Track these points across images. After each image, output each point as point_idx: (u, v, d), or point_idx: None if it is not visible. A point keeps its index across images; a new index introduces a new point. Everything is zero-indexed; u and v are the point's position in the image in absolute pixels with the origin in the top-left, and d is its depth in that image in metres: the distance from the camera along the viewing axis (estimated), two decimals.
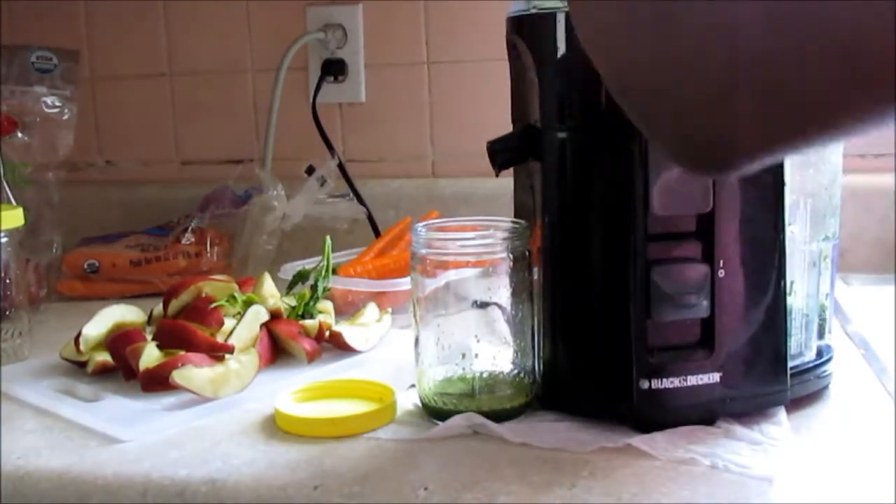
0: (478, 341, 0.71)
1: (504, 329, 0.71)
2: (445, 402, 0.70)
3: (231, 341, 0.79)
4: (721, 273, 0.66)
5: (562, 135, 0.68)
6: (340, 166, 1.22)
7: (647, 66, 0.39)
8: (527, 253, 0.70)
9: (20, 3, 1.38)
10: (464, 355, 0.71)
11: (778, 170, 0.67)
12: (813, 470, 0.61)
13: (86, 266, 1.14)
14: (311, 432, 0.69)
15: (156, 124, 1.39)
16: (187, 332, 0.80)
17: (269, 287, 0.91)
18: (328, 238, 0.94)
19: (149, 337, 0.81)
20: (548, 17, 0.67)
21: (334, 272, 0.96)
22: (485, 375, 0.71)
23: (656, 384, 0.65)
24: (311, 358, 0.83)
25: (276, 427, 0.70)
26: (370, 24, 1.28)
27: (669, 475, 0.60)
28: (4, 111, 1.10)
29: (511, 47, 0.73)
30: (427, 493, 0.60)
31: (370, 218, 1.22)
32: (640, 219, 0.65)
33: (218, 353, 0.78)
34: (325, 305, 0.91)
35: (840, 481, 0.60)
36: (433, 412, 0.70)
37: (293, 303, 0.91)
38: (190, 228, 1.17)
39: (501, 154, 0.71)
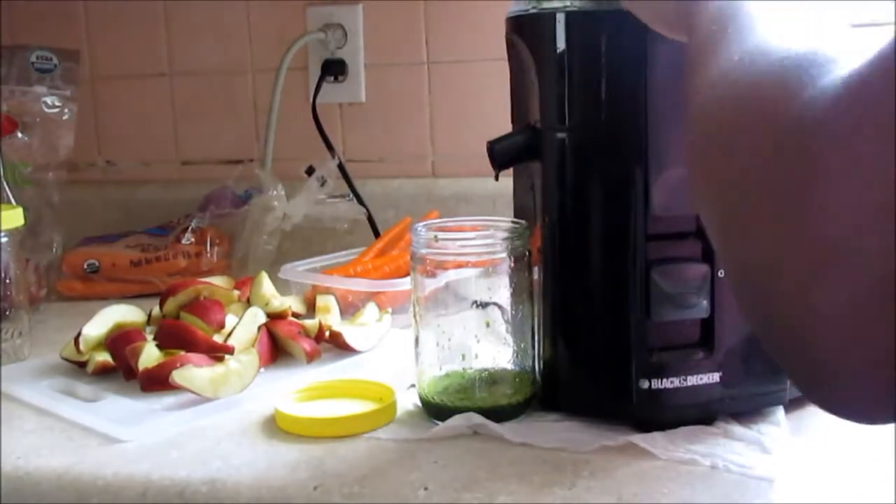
0: (478, 341, 0.71)
1: (504, 329, 0.71)
2: (444, 400, 0.70)
3: (230, 342, 0.79)
4: (721, 273, 0.66)
5: (562, 135, 0.68)
6: (340, 166, 1.22)
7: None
8: (527, 253, 0.70)
9: (20, 3, 1.37)
10: (464, 356, 0.71)
11: None
12: (812, 470, 0.61)
13: (86, 266, 1.14)
14: (311, 432, 0.69)
15: (156, 124, 1.39)
16: (187, 332, 0.80)
17: (267, 287, 0.91)
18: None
19: (149, 337, 0.81)
20: (548, 17, 0.67)
21: None
22: (485, 375, 0.71)
23: (656, 384, 0.65)
24: (311, 358, 0.83)
25: (276, 427, 0.70)
26: (370, 24, 1.28)
27: (670, 475, 0.60)
28: (4, 111, 1.10)
29: (511, 47, 0.73)
30: (427, 493, 0.60)
31: (370, 218, 1.22)
32: (640, 219, 0.65)
33: (217, 353, 0.78)
34: (328, 303, 0.91)
35: (839, 481, 0.60)
36: (433, 412, 0.70)
37: (294, 303, 0.91)
38: (190, 228, 1.17)
39: (501, 154, 0.71)
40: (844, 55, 0.34)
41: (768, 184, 0.34)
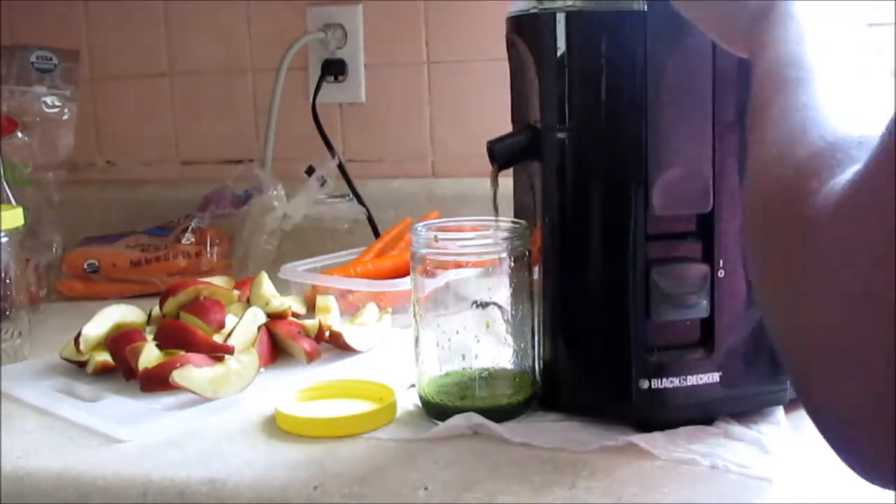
0: (478, 341, 0.71)
1: (504, 329, 0.71)
2: (444, 400, 0.70)
3: (230, 342, 0.79)
4: (721, 273, 0.66)
5: (562, 135, 0.68)
6: (340, 166, 1.22)
7: None
8: (527, 253, 0.70)
9: (20, 3, 1.37)
10: (464, 356, 0.71)
11: None
12: (812, 469, 0.61)
13: (86, 266, 1.14)
14: (311, 432, 0.69)
15: (156, 124, 1.39)
16: (187, 332, 0.80)
17: (267, 287, 0.91)
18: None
19: (149, 337, 0.81)
20: (548, 17, 0.67)
21: None
22: (485, 375, 0.71)
23: (656, 384, 0.65)
24: (311, 358, 0.83)
25: (276, 427, 0.70)
26: (370, 24, 1.28)
27: (669, 475, 0.60)
28: (4, 111, 1.10)
29: (511, 47, 0.73)
30: (427, 493, 0.60)
31: (370, 218, 1.22)
32: (640, 218, 0.65)
33: (217, 353, 0.78)
34: (328, 303, 0.91)
35: (839, 481, 0.60)
36: (433, 411, 0.70)
37: (294, 303, 0.91)
38: (190, 228, 1.17)
39: (501, 154, 0.71)
40: (862, 143, 0.38)
41: (788, 276, 0.39)
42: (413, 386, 0.73)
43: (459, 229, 0.73)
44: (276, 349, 0.84)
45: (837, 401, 0.36)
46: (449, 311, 0.71)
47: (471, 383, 0.71)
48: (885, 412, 0.34)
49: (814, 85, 0.45)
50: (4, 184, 1.01)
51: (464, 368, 0.71)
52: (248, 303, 0.90)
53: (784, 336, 0.40)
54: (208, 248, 1.16)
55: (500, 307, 0.71)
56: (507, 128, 0.74)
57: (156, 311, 0.88)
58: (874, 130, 0.37)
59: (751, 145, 0.47)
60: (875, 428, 0.34)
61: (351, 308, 0.94)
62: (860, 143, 0.38)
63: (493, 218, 0.72)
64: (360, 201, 1.23)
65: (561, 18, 0.67)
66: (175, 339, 0.79)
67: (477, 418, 0.67)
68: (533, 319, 0.71)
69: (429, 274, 0.71)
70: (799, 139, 0.41)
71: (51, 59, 1.15)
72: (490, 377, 0.71)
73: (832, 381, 0.36)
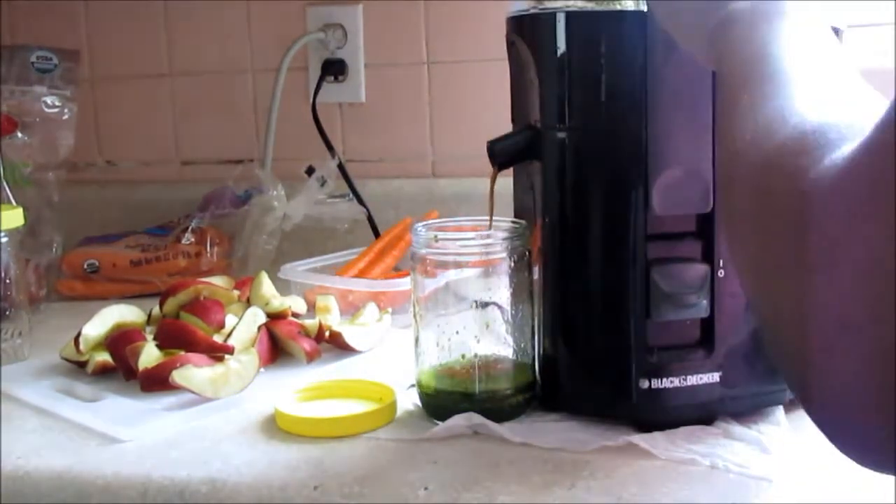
0: (478, 341, 0.71)
1: (504, 329, 0.71)
2: (443, 399, 0.70)
3: (230, 342, 0.79)
4: (721, 273, 0.66)
5: (562, 135, 0.68)
6: (340, 166, 1.22)
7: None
8: (527, 253, 0.70)
9: (20, 3, 1.37)
10: (464, 355, 0.71)
11: None
12: (812, 469, 0.61)
13: (86, 266, 1.14)
14: (311, 432, 0.69)
15: (156, 124, 1.39)
16: (187, 332, 0.80)
17: (267, 287, 0.91)
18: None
19: (149, 337, 0.81)
20: (548, 17, 0.67)
21: None
22: (484, 375, 0.71)
23: (656, 384, 0.65)
24: (311, 358, 0.83)
25: (276, 427, 0.70)
26: (370, 24, 1.28)
27: (669, 475, 0.60)
28: (4, 111, 1.10)
29: (511, 47, 0.73)
30: (427, 493, 0.60)
31: (370, 218, 1.22)
32: (640, 218, 0.65)
33: (217, 353, 0.78)
34: (328, 303, 0.91)
35: (839, 481, 0.60)
36: (433, 411, 0.70)
37: (294, 303, 0.91)
38: (190, 228, 1.17)
39: (501, 154, 0.71)
40: (852, 125, 0.36)
41: (787, 257, 0.37)
42: (413, 386, 0.73)
43: (459, 229, 0.73)
44: (276, 349, 0.84)
45: (845, 382, 0.35)
46: (449, 311, 0.71)
47: (471, 383, 0.71)
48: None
49: (783, 77, 0.44)
50: (4, 184, 1.01)
51: (464, 368, 0.71)
52: (248, 303, 0.90)
53: (783, 322, 0.38)
54: (208, 248, 1.16)
55: (500, 307, 0.71)
56: (507, 128, 0.74)
57: (156, 311, 0.89)
58: (861, 115, 0.36)
59: (722, 141, 0.46)
60: (885, 409, 0.33)
61: (351, 308, 0.94)
62: (850, 125, 0.37)
63: (492, 218, 0.72)
64: (360, 201, 1.23)
65: (561, 18, 0.67)
66: (175, 339, 0.79)
67: (477, 418, 0.67)
68: (533, 319, 0.71)
69: (429, 274, 0.71)
70: (777, 125, 0.40)
71: (51, 59, 1.16)
72: (490, 377, 0.71)
73: (841, 360, 0.34)
